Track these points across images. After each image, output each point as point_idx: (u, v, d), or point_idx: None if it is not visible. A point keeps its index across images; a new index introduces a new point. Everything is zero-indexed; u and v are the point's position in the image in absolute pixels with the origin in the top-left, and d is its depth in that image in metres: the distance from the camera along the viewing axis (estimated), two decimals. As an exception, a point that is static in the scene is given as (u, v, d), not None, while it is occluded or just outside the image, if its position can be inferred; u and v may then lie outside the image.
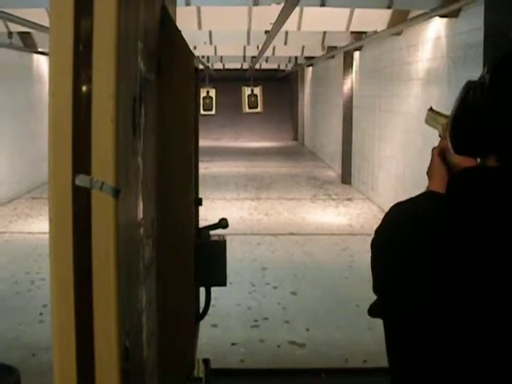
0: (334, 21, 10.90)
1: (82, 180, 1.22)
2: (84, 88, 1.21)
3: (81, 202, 1.22)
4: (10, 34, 11.68)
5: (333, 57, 17.12)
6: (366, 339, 5.60)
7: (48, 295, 1.28)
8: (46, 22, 9.26)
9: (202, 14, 10.63)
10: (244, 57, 18.06)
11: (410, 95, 10.63)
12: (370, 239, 1.53)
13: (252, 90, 20.55)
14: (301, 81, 26.61)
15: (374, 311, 1.47)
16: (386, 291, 1.44)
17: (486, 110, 1.36)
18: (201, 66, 18.86)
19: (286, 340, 5.80)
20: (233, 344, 5.70)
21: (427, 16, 8.67)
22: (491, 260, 1.29)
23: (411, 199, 1.50)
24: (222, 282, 3.64)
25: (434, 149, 1.75)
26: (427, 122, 1.95)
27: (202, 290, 3.68)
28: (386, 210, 1.54)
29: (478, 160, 1.48)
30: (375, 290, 1.47)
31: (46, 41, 12.52)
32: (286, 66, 23.72)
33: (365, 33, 12.01)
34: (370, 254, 1.50)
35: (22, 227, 10.64)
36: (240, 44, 14.67)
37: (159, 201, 1.95)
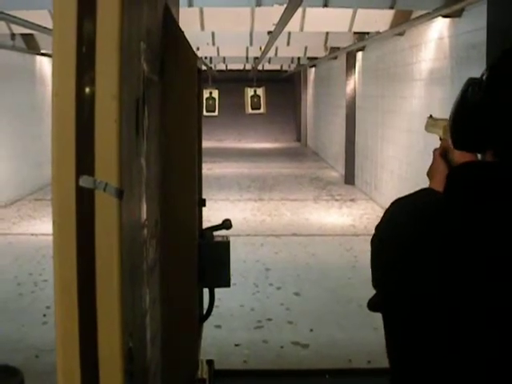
0: (336, 21, 10.90)
1: (85, 181, 1.22)
2: (87, 89, 1.21)
3: (84, 203, 1.22)
4: (12, 35, 11.70)
5: (335, 57, 17.12)
6: (370, 340, 5.60)
7: (51, 296, 1.28)
8: (48, 24, 9.28)
9: (205, 14, 10.63)
10: (247, 58, 18.07)
11: (412, 95, 10.62)
12: (373, 239, 1.53)
13: (255, 91, 20.56)
14: (303, 81, 26.62)
15: (373, 305, 1.48)
16: (386, 286, 1.45)
17: (484, 106, 1.38)
18: (204, 67, 18.88)
19: (289, 341, 5.80)
20: (236, 345, 5.70)
21: (430, 16, 8.66)
22: (492, 255, 1.30)
23: (411, 195, 1.52)
24: (226, 283, 3.63)
25: (435, 150, 1.77)
26: (427, 128, 1.98)
27: (206, 291, 3.68)
28: (389, 210, 1.55)
29: (479, 156, 1.50)
30: (374, 284, 1.48)
31: (48, 42, 12.55)
32: (289, 66, 23.72)
33: (367, 33, 12.01)
34: (373, 254, 1.51)
35: (26, 229, 10.66)
36: (243, 45, 14.67)
37: (163, 202, 1.95)
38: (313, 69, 23.84)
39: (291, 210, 12.30)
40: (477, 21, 7.41)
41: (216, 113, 20.17)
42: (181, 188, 2.57)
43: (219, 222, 3.72)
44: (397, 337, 1.44)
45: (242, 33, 12.70)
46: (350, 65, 15.56)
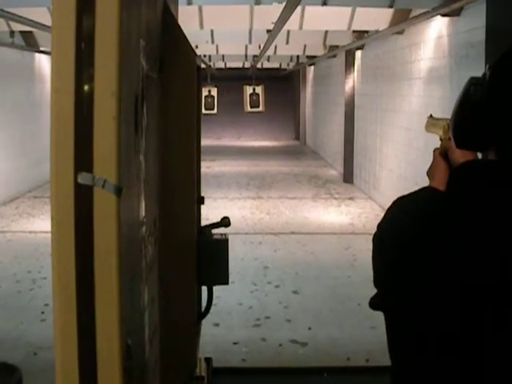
0: (335, 20, 10.90)
1: (84, 178, 1.22)
2: (86, 85, 1.21)
3: (83, 200, 1.22)
4: (11, 33, 11.68)
5: (334, 56, 17.11)
6: (369, 338, 5.60)
7: (50, 294, 1.27)
8: (47, 21, 9.27)
9: (204, 13, 10.63)
10: (246, 56, 18.06)
11: (411, 94, 10.62)
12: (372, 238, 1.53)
13: (254, 89, 20.53)
14: (302, 80, 26.60)
15: (374, 304, 1.48)
16: (387, 285, 1.45)
17: (486, 105, 1.38)
18: (202, 65, 18.86)
19: (287, 339, 5.80)
20: (235, 343, 5.70)
21: (429, 15, 8.66)
22: (492, 254, 1.30)
23: (412, 194, 1.52)
24: (224, 281, 3.64)
25: (435, 149, 1.77)
26: (427, 128, 1.98)
27: (204, 288, 3.68)
28: (388, 209, 1.55)
29: (480, 155, 1.50)
30: (376, 283, 1.48)
31: (47, 40, 12.53)
32: (288, 65, 23.72)
33: (367, 32, 12.00)
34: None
35: (24, 226, 10.65)
36: (242, 43, 14.67)
37: (161, 199, 1.94)
38: (312, 67, 23.83)
39: (290, 209, 12.30)
40: (475, 20, 7.41)
41: (215, 111, 20.15)
42: (179, 186, 2.57)
43: (218, 219, 3.72)
44: (398, 335, 1.44)
45: (241, 31, 12.69)
46: (349, 63, 15.55)
